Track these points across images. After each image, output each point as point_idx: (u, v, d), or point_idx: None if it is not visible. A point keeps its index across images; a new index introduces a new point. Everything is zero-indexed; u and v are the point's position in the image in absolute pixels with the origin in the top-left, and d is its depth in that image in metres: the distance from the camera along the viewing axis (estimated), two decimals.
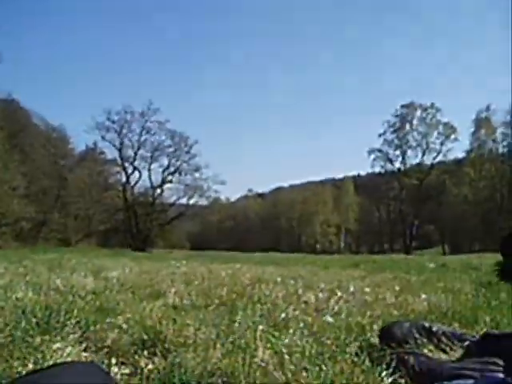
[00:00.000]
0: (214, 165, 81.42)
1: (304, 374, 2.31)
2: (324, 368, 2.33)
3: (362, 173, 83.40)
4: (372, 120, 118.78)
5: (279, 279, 6.98)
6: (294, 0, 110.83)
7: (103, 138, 56.01)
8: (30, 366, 2.40)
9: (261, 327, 3.09)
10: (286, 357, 2.49)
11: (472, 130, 63.08)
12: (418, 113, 66.93)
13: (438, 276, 9.81)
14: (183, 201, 59.78)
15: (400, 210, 68.26)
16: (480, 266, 15.74)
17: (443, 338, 2.72)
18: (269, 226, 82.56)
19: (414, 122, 67.14)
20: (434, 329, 2.82)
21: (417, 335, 2.75)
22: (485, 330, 3.21)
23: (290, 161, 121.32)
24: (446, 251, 63.49)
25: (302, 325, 3.43)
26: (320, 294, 5.24)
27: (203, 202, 61.61)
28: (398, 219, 68.98)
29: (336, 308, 4.34)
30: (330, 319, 3.62)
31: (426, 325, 2.86)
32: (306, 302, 4.73)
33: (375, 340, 2.99)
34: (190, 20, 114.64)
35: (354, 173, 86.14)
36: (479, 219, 60.70)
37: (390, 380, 2.25)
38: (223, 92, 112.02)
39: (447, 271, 13.30)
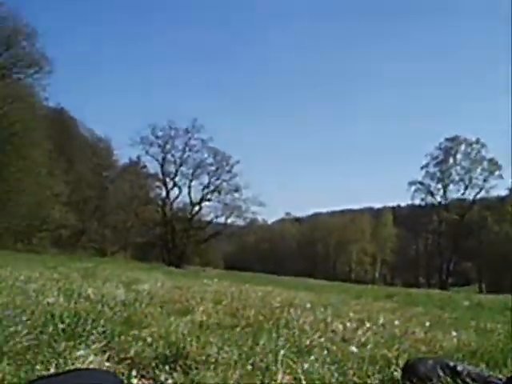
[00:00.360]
0: (254, 185, 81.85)
1: None
2: None
3: (402, 204, 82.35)
4: (412, 152, 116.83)
5: (309, 305, 6.92)
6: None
7: (147, 152, 56.90)
8: (52, 370, 2.44)
9: (282, 352, 3.06)
10: (304, 383, 2.47)
11: None
12: (463, 147, 65.95)
13: (471, 314, 9.58)
14: (221, 220, 59.96)
15: (438, 244, 67.00)
16: None
17: (468, 379, 2.65)
18: (305, 251, 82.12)
19: (458, 156, 66.17)
20: (459, 368, 2.75)
21: (441, 373, 2.69)
22: None
23: (330, 187, 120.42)
24: (483, 290, 61.89)
25: (325, 352, 3.39)
26: (348, 324, 5.17)
27: (240, 222, 61.64)
28: (436, 253, 67.67)
29: (363, 339, 4.27)
30: (354, 349, 3.57)
31: (451, 363, 2.79)
32: (333, 331, 4.67)
33: (398, 374, 2.93)
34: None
35: (393, 203, 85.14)
36: None
37: None
38: (268, 115, 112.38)
39: (482, 310, 12.98)
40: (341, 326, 4.97)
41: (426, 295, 21.03)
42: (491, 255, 61.87)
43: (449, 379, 2.66)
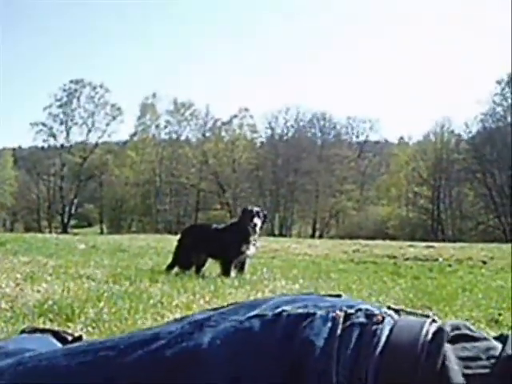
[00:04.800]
0: None
1: None
2: None
3: (24, 145, 79.16)
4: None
5: None
6: None
7: None
8: None
9: None
10: None
11: (138, 114, 65.58)
12: (87, 90, 66.65)
13: (83, 258, 9.65)
14: None
15: (60, 188, 66.83)
16: (129, 248, 16.31)
17: None
18: None
19: (82, 99, 66.64)
20: None
21: None
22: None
23: None
24: (105, 231, 64.55)
25: None
26: None
27: None
28: (58, 197, 67.47)
29: None
30: None
31: None
32: None
33: None
34: None
35: (13, 145, 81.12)
36: (138, 201, 63.78)
37: None
38: None
39: (96, 253, 13.34)
40: None
41: (44, 240, 20.60)
42: (111, 198, 64.95)
43: None
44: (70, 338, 1.74)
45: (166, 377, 1.15)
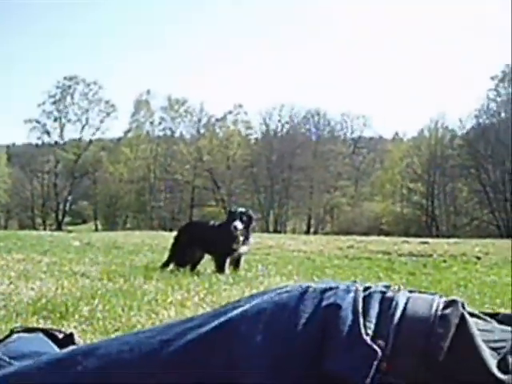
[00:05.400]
0: None
1: None
2: None
3: (18, 142, 78.91)
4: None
5: None
6: None
7: None
8: None
9: None
10: None
11: (132, 111, 65.46)
12: (81, 87, 66.42)
13: (77, 257, 9.65)
14: None
15: (54, 185, 66.67)
16: (123, 245, 16.29)
17: None
18: None
19: (76, 95, 66.37)
20: None
21: None
22: None
23: None
24: (99, 228, 64.47)
25: None
26: None
27: None
28: (52, 194, 67.33)
29: None
30: None
31: None
32: None
33: None
34: None
35: (8, 142, 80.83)
36: (132, 197, 63.83)
37: None
38: None
39: (90, 250, 13.30)
40: None
41: (38, 237, 20.57)
42: (106, 194, 64.92)
43: None
44: (60, 336, 1.75)
45: (205, 350, 1.22)
